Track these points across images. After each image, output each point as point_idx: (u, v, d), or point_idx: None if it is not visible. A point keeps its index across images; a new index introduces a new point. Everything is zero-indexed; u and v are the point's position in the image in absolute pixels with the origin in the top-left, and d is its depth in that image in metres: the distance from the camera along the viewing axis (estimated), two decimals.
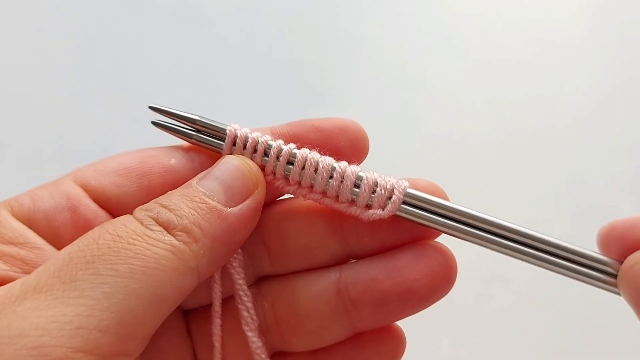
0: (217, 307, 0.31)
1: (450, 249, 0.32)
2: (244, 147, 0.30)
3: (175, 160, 0.30)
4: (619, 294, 0.28)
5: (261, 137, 0.30)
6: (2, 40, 0.63)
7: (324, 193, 0.30)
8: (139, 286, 0.24)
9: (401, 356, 0.32)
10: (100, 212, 0.29)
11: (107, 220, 0.28)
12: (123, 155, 0.30)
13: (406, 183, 0.30)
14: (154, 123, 0.31)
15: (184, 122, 0.31)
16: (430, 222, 0.30)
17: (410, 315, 0.30)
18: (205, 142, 0.31)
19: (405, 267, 0.29)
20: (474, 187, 0.58)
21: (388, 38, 0.67)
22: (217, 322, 0.31)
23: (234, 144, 0.30)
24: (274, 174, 0.30)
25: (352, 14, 0.68)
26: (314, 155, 0.30)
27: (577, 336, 0.53)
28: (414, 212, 0.29)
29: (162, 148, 0.31)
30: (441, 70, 0.65)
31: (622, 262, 0.27)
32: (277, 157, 0.30)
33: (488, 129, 0.62)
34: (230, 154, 0.30)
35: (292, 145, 0.30)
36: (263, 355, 0.30)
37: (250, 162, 0.29)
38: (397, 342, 0.32)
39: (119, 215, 0.28)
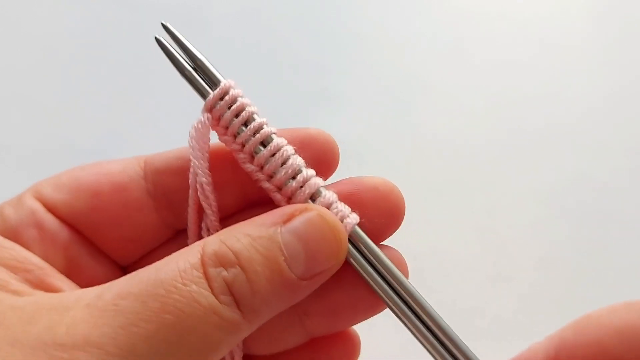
0: None
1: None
2: (228, 108, 0.28)
3: (127, 179, 0.29)
4: None
5: (249, 106, 0.29)
6: (3, 43, 0.63)
7: (280, 189, 0.28)
8: None
9: (355, 358, 0.32)
10: (61, 227, 0.29)
11: (69, 236, 0.29)
12: (80, 169, 0.30)
13: (356, 220, 0.28)
14: (157, 40, 0.29)
15: (186, 54, 0.29)
16: (363, 272, 0.28)
17: (363, 320, 0.30)
18: (195, 82, 0.29)
19: (354, 275, 0.28)
20: (476, 187, 0.57)
21: (390, 39, 0.66)
22: None
23: (222, 98, 0.29)
24: (243, 146, 0.28)
25: (354, 14, 0.67)
26: (288, 149, 0.28)
27: None
28: (353, 255, 0.28)
29: (119, 163, 0.30)
30: (443, 70, 0.64)
31: None
32: (254, 134, 0.28)
33: (489, 129, 0.61)
34: (213, 107, 0.29)
35: (273, 129, 0.29)
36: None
37: (341, 228, 0.27)
38: (350, 345, 0.32)
39: (76, 229, 0.29)
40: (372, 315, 0.30)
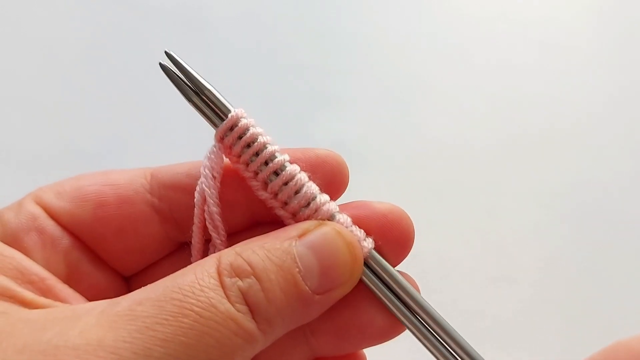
0: None
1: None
2: (239, 138, 0.28)
3: (132, 191, 0.29)
4: None
5: (261, 136, 0.28)
6: (6, 46, 0.62)
7: (294, 215, 0.28)
8: None
9: None
10: (63, 233, 0.29)
11: (71, 243, 0.28)
12: (84, 178, 0.29)
13: (371, 245, 0.28)
14: (162, 66, 0.29)
15: (192, 84, 0.29)
16: (383, 296, 0.28)
17: (371, 346, 0.30)
18: (202, 109, 0.29)
19: (365, 298, 0.29)
20: (478, 189, 0.58)
21: (391, 41, 0.66)
22: None
23: (232, 129, 0.28)
24: (256, 174, 0.28)
25: (356, 17, 0.67)
26: (302, 177, 0.28)
27: (586, 337, 0.52)
28: (371, 279, 0.28)
29: (125, 174, 0.30)
30: (444, 73, 0.64)
31: None
32: (266, 163, 0.28)
33: (491, 131, 0.61)
34: (223, 137, 0.28)
35: (286, 157, 0.28)
36: None
37: (356, 245, 0.27)
38: None
39: (78, 237, 0.28)
40: (380, 342, 0.29)
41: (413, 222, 0.29)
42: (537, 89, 0.64)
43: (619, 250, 0.55)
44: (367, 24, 0.67)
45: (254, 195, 0.29)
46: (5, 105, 0.59)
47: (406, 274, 0.29)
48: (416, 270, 0.55)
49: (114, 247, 0.30)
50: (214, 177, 0.28)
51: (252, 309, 0.24)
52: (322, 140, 0.58)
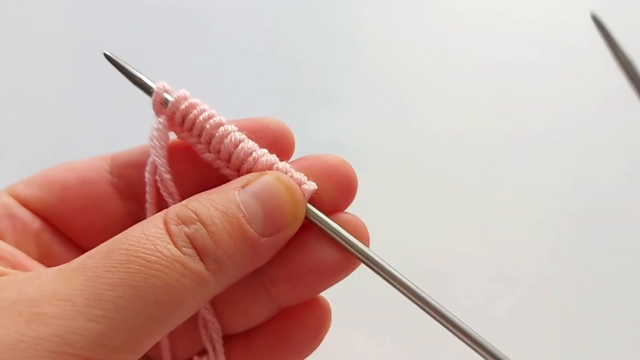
0: None
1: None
2: (179, 107, 0.31)
3: (94, 173, 0.32)
4: None
5: (199, 105, 0.31)
6: (3, 44, 0.65)
7: (238, 170, 0.30)
8: (161, 315, 0.24)
9: (327, 325, 0.32)
10: (33, 218, 0.31)
11: (41, 226, 0.31)
12: (52, 169, 0.33)
13: (314, 186, 0.30)
14: (106, 56, 0.33)
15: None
16: (330, 231, 0.30)
17: (329, 286, 0.31)
18: (148, 89, 0.32)
19: (315, 238, 0.30)
20: (478, 189, 0.58)
21: (389, 39, 0.67)
22: None
23: (175, 102, 0.31)
24: (199, 137, 0.31)
25: (353, 15, 0.68)
26: (237, 135, 0.30)
27: (584, 336, 0.52)
28: (318, 217, 0.30)
29: (87, 160, 0.33)
30: (443, 71, 0.64)
31: None
32: (206, 126, 0.30)
33: (491, 130, 0.61)
34: (165, 110, 0.31)
35: (223, 119, 0.31)
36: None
37: (296, 188, 0.29)
38: (320, 311, 0.32)
39: (48, 221, 0.31)
40: (336, 280, 0.31)
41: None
42: (538, 88, 0.64)
43: (619, 250, 0.54)
44: (366, 23, 0.68)
45: (202, 164, 0.31)
46: (2, 104, 0.60)
47: (350, 213, 0.31)
48: (416, 268, 0.54)
49: (80, 226, 0.32)
50: (162, 146, 0.31)
51: (200, 252, 0.25)
52: (320, 139, 0.59)
